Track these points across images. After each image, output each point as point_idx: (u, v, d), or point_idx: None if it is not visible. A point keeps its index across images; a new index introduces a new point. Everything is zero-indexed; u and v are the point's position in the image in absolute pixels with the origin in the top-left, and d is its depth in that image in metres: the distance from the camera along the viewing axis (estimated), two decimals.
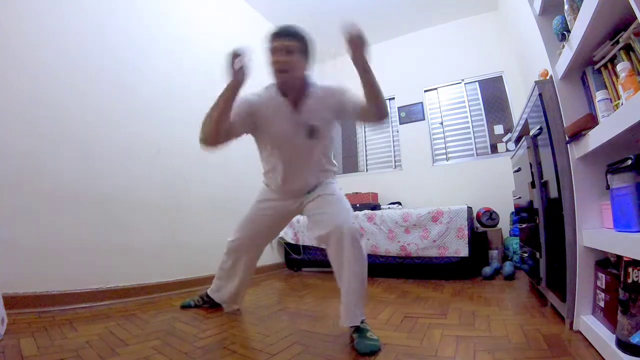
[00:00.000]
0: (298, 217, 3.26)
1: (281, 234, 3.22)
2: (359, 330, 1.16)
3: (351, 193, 3.60)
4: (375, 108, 1.17)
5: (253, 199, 1.59)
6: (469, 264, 2.38)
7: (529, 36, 1.98)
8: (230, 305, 1.66)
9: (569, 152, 1.19)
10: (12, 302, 1.41)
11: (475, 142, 3.47)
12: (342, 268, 1.21)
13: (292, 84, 1.25)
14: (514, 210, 2.39)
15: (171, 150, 2.28)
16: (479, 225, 2.94)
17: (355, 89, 1.23)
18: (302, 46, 1.23)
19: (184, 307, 1.74)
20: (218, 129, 1.19)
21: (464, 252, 2.37)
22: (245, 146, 1.97)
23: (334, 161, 1.48)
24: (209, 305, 1.73)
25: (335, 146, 1.47)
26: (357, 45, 1.05)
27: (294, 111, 1.27)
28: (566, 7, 1.13)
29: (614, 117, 0.86)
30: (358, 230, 1.22)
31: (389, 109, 1.22)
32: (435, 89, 3.78)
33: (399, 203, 3.56)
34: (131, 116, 2.06)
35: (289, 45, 1.19)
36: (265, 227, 1.53)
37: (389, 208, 3.20)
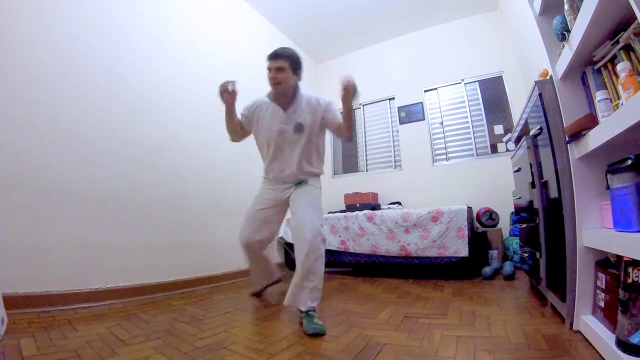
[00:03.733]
0: None
1: (281, 233, 3.22)
2: (307, 315, 1.39)
3: (351, 193, 3.61)
4: (346, 132, 1.60)
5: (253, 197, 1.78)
6: (469, 264, 2.38)
7: (529, 36, 1.98)
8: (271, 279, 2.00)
9: (569, 152, 1.19)
10: (12, 302, 1.41)
11: (475, 142, 3.46)
12: (300, 261, 1.45)
13: (283, 92, 1.59)
14: (514, 210, 2.39)
15: (172, 150, 2.29)
16: (479, 225, 2.94)
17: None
18: (292, 64, 1.56)
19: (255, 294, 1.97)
20: (232, 130, 1.68)
21: (463, 252, 2.37)
22: (245, 148, 1.99)
23: (321, 167, 1.74)
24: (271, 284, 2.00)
25: (324, 150, 1.75)
26: (349, 92, 1.41)
27: (284, 112, 1.61)
28: (566, 7, 1.13)
29: (614, 117, 0.86)
30: (319, 231, 1.46)
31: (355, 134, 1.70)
32: (435, 89, 3.78)
33: (399, 203, 3.56)
34: (132, 116, 2.06)
35: (280, 65, 1.52)
36: (263, 215, 1.72)
37: (389, 208, 3.20)
